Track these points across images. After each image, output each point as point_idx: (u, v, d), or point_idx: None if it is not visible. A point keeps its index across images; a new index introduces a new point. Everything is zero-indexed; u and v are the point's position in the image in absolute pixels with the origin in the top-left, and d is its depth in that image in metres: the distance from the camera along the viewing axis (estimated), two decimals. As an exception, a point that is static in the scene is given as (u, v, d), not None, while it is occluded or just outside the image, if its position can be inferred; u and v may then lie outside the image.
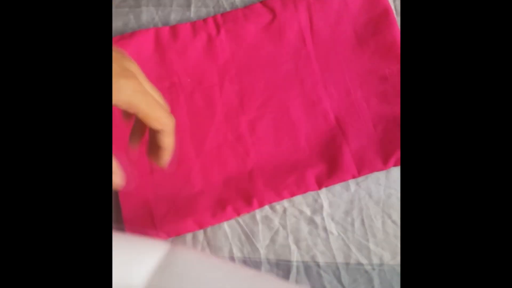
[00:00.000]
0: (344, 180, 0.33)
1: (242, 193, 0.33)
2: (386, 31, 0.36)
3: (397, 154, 0.33)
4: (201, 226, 0.33)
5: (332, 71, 0.36)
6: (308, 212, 0.34)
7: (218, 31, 0.37)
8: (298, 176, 0.33)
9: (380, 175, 0.34)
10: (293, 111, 0.35)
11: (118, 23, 0.38)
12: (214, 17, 0.37)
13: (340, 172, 0.33)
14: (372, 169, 0.33)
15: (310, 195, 0.34)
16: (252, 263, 0.33)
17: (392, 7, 0.37)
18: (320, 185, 0.33)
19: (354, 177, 0.33)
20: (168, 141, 0.28)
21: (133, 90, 0.25)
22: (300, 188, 0.33)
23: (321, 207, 0.34)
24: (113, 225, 0.34)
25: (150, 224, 0.32)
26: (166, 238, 0.32)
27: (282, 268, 0.33)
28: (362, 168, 0.33)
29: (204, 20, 0.37)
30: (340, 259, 0.33)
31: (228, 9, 0.38)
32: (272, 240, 0.34)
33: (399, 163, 0.33)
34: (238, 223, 0.34)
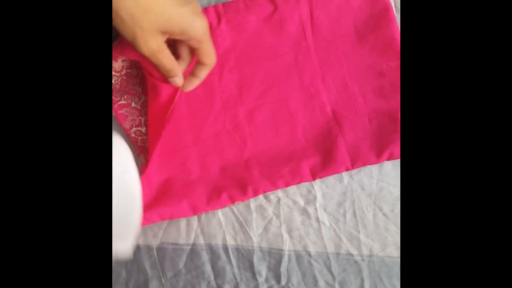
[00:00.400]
0: (338, 172, 0.34)
1: (238, 181, 0.33)
2: (385, 27, 0.36)
3: (391, 149, 0.33)
4: (195, 211, 0.33)
5: (330, 64, 0.36)
6: (301, 202, 0.34)
7: (219, 20, 0.37)
8: (293, 166, 0.34)
9: (373, 169, 0.35)
10: (291, 102, 0.36)
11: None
12: (215, 7, 0.37)
13: (334, 164, 0.34)
14: (366, 162, 0.34)
15: (304, 186, 0.35)
16: (245, 251, 0.34)
17: (392, 4, 0.37)
18: (314, 176, 0.34)
19: (347, 169, 0.34)
20: (205, 73, 0.32)
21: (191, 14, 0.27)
22: (295, 178, 0.34)
23: (315, 198, 0.34)
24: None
25: (144, 205, 0.32)
26: (158, 220, 0.33)
27: (274, 257, 0.34)
28: (356, 161, 0.34)
29: (205, 9, 0.37)
30: (331, 249, 0.34)
31: (228, -1, 0.38)
32: (265, 229, 0.34)
33: (393, 157, 0.33)
34: (232, 211, 0.34)
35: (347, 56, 0.37)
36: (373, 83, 0.36)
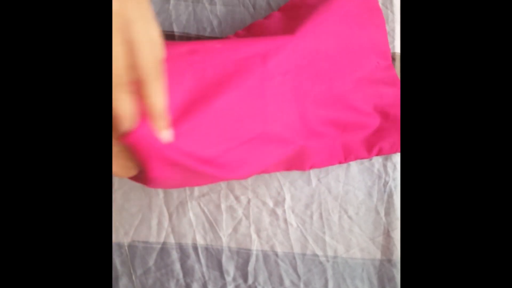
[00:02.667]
0: (331, 165, 0.35)
1: None
2: (376, 25, 0.37)
3: (380, 144, 0.35)
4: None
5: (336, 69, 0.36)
6: (270, 203, 0.35)
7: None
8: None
9: (340, 172, 0.36)
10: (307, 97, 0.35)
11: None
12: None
13: (329, 158, 0.35)
14: (358, 157, 0.35)
15: (274, 187, 0.36)
16: (214, 250, 0.35)
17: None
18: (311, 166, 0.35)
19: (340, 163, 0.35)
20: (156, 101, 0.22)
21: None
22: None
23: (284, 199, 0.35)
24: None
25: None
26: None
27: (242, 256, 0.34)
28: (349, 156, 0.35)
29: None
30: (297, 249, 0.35)
31: (207, 5, 0.39)
32: (235, 229, 0.35)
33: (382, 152, 0.35)
34: (203, 211, 0.35)
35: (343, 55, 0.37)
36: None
